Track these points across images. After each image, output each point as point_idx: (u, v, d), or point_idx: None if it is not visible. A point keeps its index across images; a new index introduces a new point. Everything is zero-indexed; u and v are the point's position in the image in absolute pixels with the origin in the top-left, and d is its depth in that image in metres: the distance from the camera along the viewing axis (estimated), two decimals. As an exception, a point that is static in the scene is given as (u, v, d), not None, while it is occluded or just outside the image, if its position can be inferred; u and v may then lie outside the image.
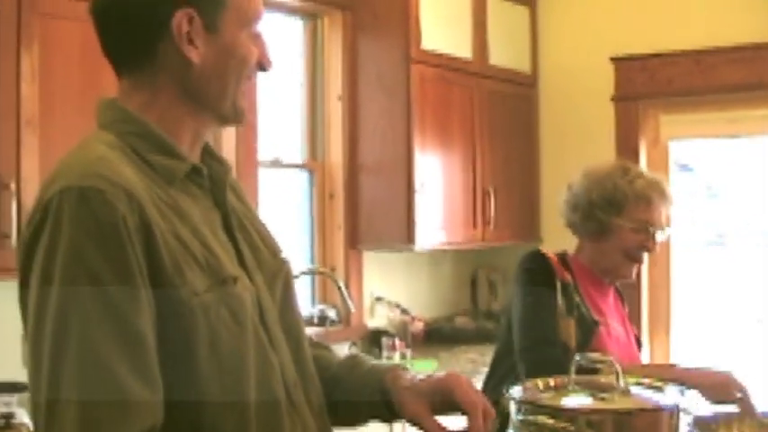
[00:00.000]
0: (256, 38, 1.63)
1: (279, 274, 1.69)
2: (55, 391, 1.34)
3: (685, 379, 2.04)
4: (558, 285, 2.73)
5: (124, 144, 1.52)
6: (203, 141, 1.65)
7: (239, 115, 1.64)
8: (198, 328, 1.44)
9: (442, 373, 1.74)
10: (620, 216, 2.78)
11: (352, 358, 1.84)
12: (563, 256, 2.86)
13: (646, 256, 2.87)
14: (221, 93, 1.59)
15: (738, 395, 2.46)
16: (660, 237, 2.83)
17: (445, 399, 1.65)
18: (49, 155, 3.09)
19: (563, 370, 2.57)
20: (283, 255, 1.75)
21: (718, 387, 2.47)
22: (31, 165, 3.08)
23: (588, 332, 2.70)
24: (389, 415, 1.74)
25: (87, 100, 3.20)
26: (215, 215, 1.60)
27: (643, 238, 2.80)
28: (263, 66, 1.65)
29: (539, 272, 2.77)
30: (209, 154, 1.68)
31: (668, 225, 2.87)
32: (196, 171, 1.59)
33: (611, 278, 2.90)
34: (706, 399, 2.40)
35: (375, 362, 1.83)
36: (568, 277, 2.78)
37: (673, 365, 2.64)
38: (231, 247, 1.59)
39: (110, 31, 1.58)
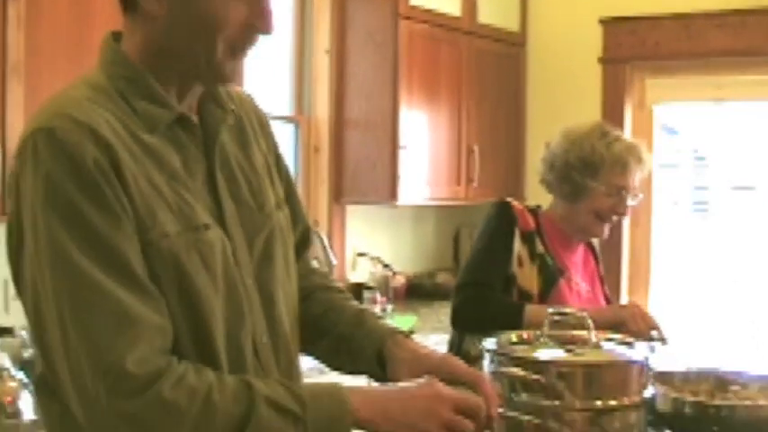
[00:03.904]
0: None
1: (262, 230, 1.67)
2: (63, 328, 1.38)
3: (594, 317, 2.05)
4: (517, 233, 2.76)
5: (112, 87, 1.53)
6: (197, 93, 1.62)
7: (218, 77, 1.58)
8: (166, 269, 1.46)
9: (439, 353, 1.75)
10: (594, 179, 2.79)
11: (357, 315, 1.84)
12: (534, 209, 2.90)
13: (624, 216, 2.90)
14: (189, 54, 1.53)
15: (652, 331, 2.52)
16: (632, 202, 2.85)
17: (444, 378, 1.61)
18: (35, 103, 3.06)
19: (489, 311, 2.65)
20: (272, 210, 1.71)
21: (620, 323, 2.52)
22: (17, 113, 3.05)
23: (550, 281, 2.76)
24: (386, 379, 1.74)
25: (75, 47, 3.20)
26: (200, 165, 1.59)
27: (615, 202, 2.82)
28: (255, 28, 1.55)
29: (497, 219, 2.81)
30: (215, 100, 1.66)
31: (639, 191, 2.88)
32: (183, 120, 1.58)
33: (582, 237, 2.93)
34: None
35: (378, 324, 1.82)
36: (532, 226, 2.81)
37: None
38: (210, 199, 1.59)
39: None
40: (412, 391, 1.54)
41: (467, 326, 2.75)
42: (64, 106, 1.47)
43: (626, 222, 5.35)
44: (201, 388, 1.40)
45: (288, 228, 1.76)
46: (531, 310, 2.60)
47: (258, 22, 1.55)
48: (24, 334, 3.19)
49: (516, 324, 2.51)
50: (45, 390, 1.51)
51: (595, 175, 2.78)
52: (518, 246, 2.75)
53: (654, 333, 2.58)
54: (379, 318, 1.86)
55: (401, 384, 1.58)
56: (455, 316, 2.75)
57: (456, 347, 2.80)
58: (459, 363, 1.68)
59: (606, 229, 2.89)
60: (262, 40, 1.60)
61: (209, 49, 1.52)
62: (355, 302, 1.91)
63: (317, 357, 1.88)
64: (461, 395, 1.55)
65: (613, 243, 5.27)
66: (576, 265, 2.93)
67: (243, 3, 1.52)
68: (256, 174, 1.72)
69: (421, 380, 1.56)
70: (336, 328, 1.83)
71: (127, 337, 1.37)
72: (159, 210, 1.47)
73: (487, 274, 2.71)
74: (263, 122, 1.83)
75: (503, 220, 2.79)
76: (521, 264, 2.74)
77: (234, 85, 1.74)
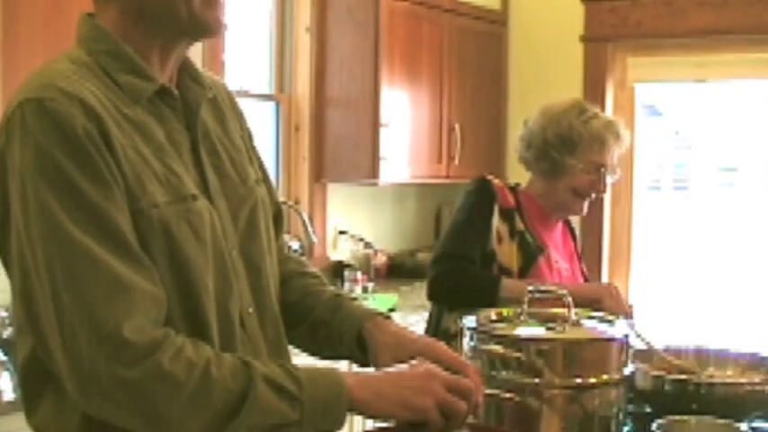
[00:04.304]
0: None
1: (246, 202, 1.68)
2: (56, 298, 1.37)
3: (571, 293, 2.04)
4: (497, 209, 2.75)
5: (93, 62, 1.53)
6: (178, 60, 1.63)
7: (204, 28, 1.59)
8: (156, 238, 1.46)
9: (424, 338, 1.74)
10: (572, 156, 2.79)
11: (335, 299, 1.83)
12: (513, 187, 2.89)
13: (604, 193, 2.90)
14: (169, 10, 1.54)
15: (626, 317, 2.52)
16: (610, 179, 2.86)
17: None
18: (13, 79, 3.05)
19: (467, 283, 2.64)
20: (254, 183, 1.72)
21: (597, 299, 2.53)
22: (-6, 88, 3.05)
23: (530, 258, 2.75)
24: (367, 363, 1.74)
25: (53, 22, 3.17)
26: (183, 138, 1.60)
27: (594, 180, 2.82)
28: None
29: (476, 194, 2.80)
30: (190, 75, 1.67)
31: (618, 168, 2.88)
32: (165, 92, 1.58)
33: (561, 214, 2.94)
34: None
35: (356, 306, 1.81)
36: (512, 203, 2.81)
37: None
38: (195, 171, 1.59)
39: None
40: (404, 372, 1.54)
41: (442, 298, 2.74)
42: (51, 78, 1.46)
43: (607, 202, 5.37)
44: (200, 362, 1.40)
45: (268, 204, 1.77)
46: (507, 283, 2.60)
47: None
48: (4, 313, 3.17)
49: (492, 297, 2.52)
50: (34, 374, 1.50)
51: (573, 152, 2.79)
52: (497, 222, 2.74)
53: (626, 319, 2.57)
54: (356, 300, 1.86)
55: (393, 368, 1.58)
56: (431, 288, 2.73)
57: (435, 325, 2.80)
58: (444, 349, 1.68)
59: (585, 207, 2.89)
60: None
61: None
62: (332, 287, 1.90)
63: (296, 344, 1.86)
64: (454, 376, 1.55)
65: (594, 222, 5.28)
66: (556, 242, 2.93)
67: None
68: (236, 149, 1.73)
69: (414, 361, 1.57)
70: (313, 313, 1.82)
71: (122, 305, 1.37)
72: (148, 180, 1.47)
73: (465, 248, 2.70)
74: (234, 105, 1.83)
75: (482, 196, 2.78)
76: (500, 240, 2.74)
77: (210, 72, 1.74)
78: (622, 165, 2.94)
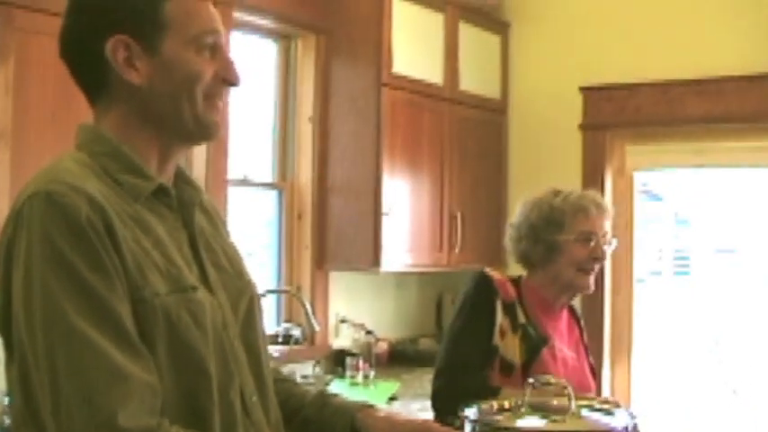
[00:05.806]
0: (214, 53, 1.64)
1: (243, 295, 1.73)
2: (54, 384, 1.40)
3: None
4: (499, 305, 2.77)
5: (95, 163, 1.59)
6: (175, 163, 1.70)
7: (205, 131, 1.67)
8: (158, 326, 1.50)
9: (417, 419, 1.79)
10: (561, 232, 2.84)
11: (320, 396, 1.88)
12: (516, 279, 2.92)
13: (603, 267, 2.93)
14: (176, 112, 1.62)
15: None
16: (607, 247, 2.89)
17: None
18: (22, 168, 3.10)
19: (466, 398, 2.62)
20: (249, 277, 1.79)
21: None
22: (3, 178, 3.08)
23: (534, 350, 2.76)
24: None
25: (61, 115, 3.23)
26: (182, 234, 1.66)
27: (591, 249, 2.86)
28: (226, 80, 1.66)
29: (475, 294, 2.82)
30: (183, 179, 1.74)
31: (611, 237, 2.93)
32: (163, 191, 1.64)
33: (569, 295, 2.95)
34: None
35: (344, 399, 1.86)
36: (513, 296, 2.83)
37: None
38: (195, 265, 1.64)
39: (66, 65, 1.65)
40: None
41: (444, 412, 2.69)
42: (58, 174, 1.51)
43: (607, 289, 5.37)
44: None
45: (260, 300, 1.82)
46: (507, 393, 2.58)
47: (227, 74, 1.66)
48: (6, 400, 3.17)
49: None
50: None
51: (561, 229, 2.85)
52: (500, 317, 2.77)
53: None
54: (340, 396, 1.91)
55: None
56: (433, 402, 2.75)
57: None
58: (436, 427, 1.73)
59: (591, 281, 2.91)
60: (233, 93, 1.73)
61: (192, 101, 1.61)
62: (312, 389, 1.95)
63: None
64: None
65: (596, 311, 5.28)
66: (561, 332, 2.94)
67: (211, 60, 1.64)
68: (229, 246, 1.81)
69: None
70: (302, 411, 1.86)
71: (119, 393, 1.40)
72: (149, 271, 1.52)
73: (465, 356, 2.72)
74: (219, 216, 1.89)
75: (482, 295, 2.80)
76: (503, 335, 2.75)
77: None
78: (622, 250, 2.98)
